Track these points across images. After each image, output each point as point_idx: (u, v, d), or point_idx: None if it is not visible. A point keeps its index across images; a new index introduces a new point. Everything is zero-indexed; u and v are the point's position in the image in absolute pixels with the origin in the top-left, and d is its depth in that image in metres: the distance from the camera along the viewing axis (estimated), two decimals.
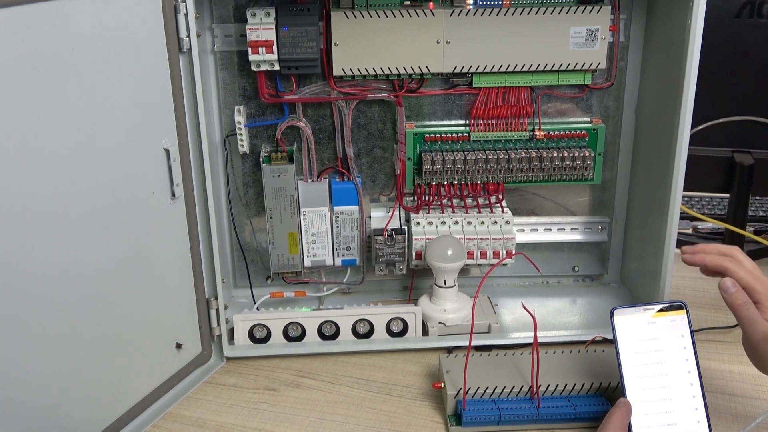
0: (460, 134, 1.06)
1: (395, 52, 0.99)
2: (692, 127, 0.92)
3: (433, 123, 1.07)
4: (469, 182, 1.07)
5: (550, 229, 1.15)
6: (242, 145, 1.04)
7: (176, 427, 0.90)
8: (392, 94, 1.03)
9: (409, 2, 0.97)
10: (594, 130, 1.06)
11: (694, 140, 1.00)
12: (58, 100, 0.73)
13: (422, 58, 1.00)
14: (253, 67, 0.98)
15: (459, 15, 0.98)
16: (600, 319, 1.09)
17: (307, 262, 1.09)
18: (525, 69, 1.01)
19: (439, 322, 1.04)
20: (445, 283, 1.04)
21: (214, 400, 0.95)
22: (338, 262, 1.11)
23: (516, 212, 1.12)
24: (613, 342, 0.82)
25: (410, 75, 1.02)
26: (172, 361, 0.95)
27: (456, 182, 1.07)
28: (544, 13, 0.98)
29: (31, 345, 0.74)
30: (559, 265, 1.17)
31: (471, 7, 0.98)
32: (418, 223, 1.07)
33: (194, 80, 0.91)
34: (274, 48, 0.95)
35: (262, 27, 0.95)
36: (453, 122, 1.07)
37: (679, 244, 0.95)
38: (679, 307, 0.83)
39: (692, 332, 0.83)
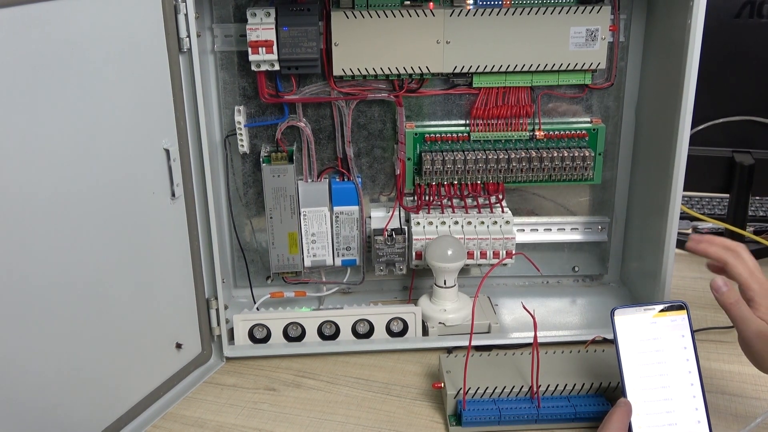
0: (460, 134, 1.06)
1: (395, 52, 0.99)
2: (692, 127, 0.92)
3: (433, 123, 1.07)
4: (469, 182, 1.07)
5: (550, 229, 1.15)
6: (242, 145, 1.04)
7: (176, 427, 0.90)
8: (392, 94, 1.03)
9: (409, 2, 0.97)
10: (594, 130, 1.06)
11: (694, 140, 1.00)
12: (58, 100, 0.73)
13: (422, 58, 1.00)
14: (253, 67, 0.98)
15: (459, 15, 0.98)
16: (600, 319, 1.09)
17: (307, 262, 1.09)
18: (525, 69, 1.01)
19: (439, 322, 1.04)
20: (445, 283, 1.04)
21: (214, 400, 0.94)
22: (338, 262, 1.11)
23: (516, 212, 1.12)
24: (613, 342, 0.83)
25: (410, 75, 1.02)
26: (172, 361, 0.95)
27: (456, 182, 1.07)
28: (544, 13, 0.98)
29: (31, 345, 0.74)
30: (559, 265, 1.17)
31: (471, 7, 0.98)
32: (418, 223, 1.07)
33: (194, 80, 0.91)
34: (274, 48, 0.95)
35: (262, 27, 0.95)
36: (453, 122, 1.07)
37: (679, 244, 0.95)
38: (679, 307, 0.83)
39: (693, 332, 0.83)
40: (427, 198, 1.08)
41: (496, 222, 1.07)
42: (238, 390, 0.97)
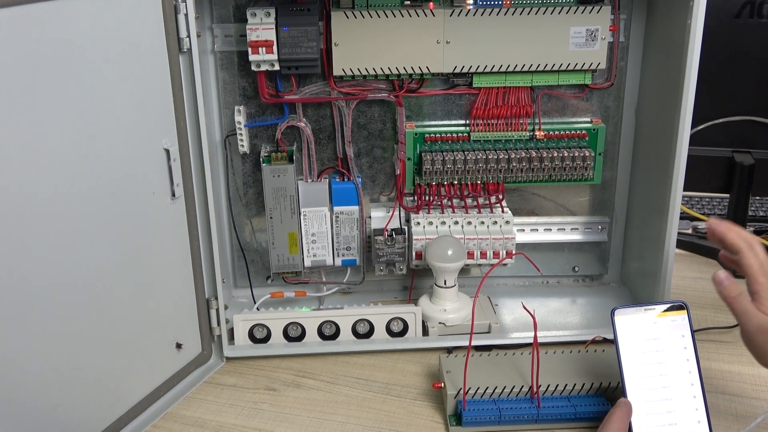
0: (460, 134, 1.06)
1: (395, 52, 0.99)
2: (692, 127, 0.92)
3: (433, 123, 1.07)
4: (469, 182, 1.07)
5: (550, 229, 1.15)
6: (242, 145, 1.04)
7: (176, 427, 0.90)
8: (392, 94, 1.03)
9: (409, 2, 0.97)
10: (594, 130, 1.06)
11: (694, 140, 1.00)
12: (58, 100, 0.73)
13: (422, 58, 1.00)
14: (253, 67, 0.98)
15: (459, 15, 0.98)
16: (600, 319, 1.09)
17: (307, 262, 1.09)
18: (525, 69, 1.01)
19: (439, 322, 1.04)
20: (445, 283, 1.04)
21: (214, 400, 0.94)
22: (338, 262, 1.11)
23: (516, 212, 1.12)
24: (613, 342, 0.83)
25: (410, 75, 1.02)
26: (172, 361, 0.95)
27: (456, 182, 1.07)
28: (544, 13, 0.98)
29: (31, 345, 0.74)
30: (559, 265, 1.17)
31: (471, 7, 0.98)
32: (418, 223, 1.07)
33: (194, 80, 0.91)
34: (274, 48, 0.95)
35: (262, 27, 0.95)
36: (453, 122, 1.07)
37: (679, 244, 0.95)
38: (680, 307, 0.83)
39: (693, 332, 0.83)
40: (427, 198, 1.08)
41: (496, 222, 1.07)
42: (238, 390, 0.97)
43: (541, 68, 1.01)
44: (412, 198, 1.10)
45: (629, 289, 1.15)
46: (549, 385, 0.87)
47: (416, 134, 1.05)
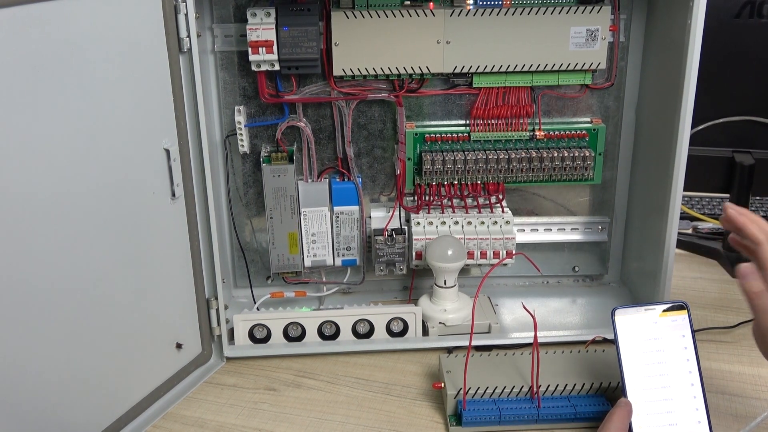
0: (460, 134, 1.06)
1: (395, 52, 0.99)
2: (692, 127, 0.92)
3: (433, 123, 1.07)
4: (469, 182, 1.07)
5: (550, 229, 1.15)
6: (242, 145, 1.04)
7: (176, 427, 0.90)
8: (392, 94, 1.03)
9: (409, 2, 0.97)
10: (594, 130, 1.06)
11: (694, 140, 1.00)
12: (58, 101, 0.73)
13: (422, 58, 1.00)
14: (254, 67, 0.98)
15: (459, 15, 0.98)
16: (600, 319, 1.09)
17: (307, 262, 1.09)
18: (525, 69, 1.01)
19: (439, 322, 1.04)
20: (445, 283, 1.04)
21: (214, 400, 0.94)
22: (338, 262, 1.11)
23: (516, 212, 1.12)
24: (613, 342, 0.83)
25: (410, 75, 1.02)
26: (172, 361, 0.95)
27: (456, 182, 1.07)
28: (544, 13, 0.98)
29: (31, 345, 0.74)
30: (559, 265, 1.17)
31: (471, 7, 0.98)
32: (418, 223, 1.07)
33: (194, 80, 0.91)
34: (274, 48, 0.95)
35: (262, 27, 0.95)
36: (453, 122, 1.07)
37: (679, 244, 0.95)
38: (680, 307, 0.83)
39: (693, 332, 0.83)
40: (427, 198, 1.08)
41: (496, 222, 1.07)
42: (238, 390, 0.97)
43: (541, 68, 1.01)
44: (412, 198, 1.10)
45: (629, 289, 1.15)
46: (549, 385, 0.87)
47: (416, 134, 1.05)
